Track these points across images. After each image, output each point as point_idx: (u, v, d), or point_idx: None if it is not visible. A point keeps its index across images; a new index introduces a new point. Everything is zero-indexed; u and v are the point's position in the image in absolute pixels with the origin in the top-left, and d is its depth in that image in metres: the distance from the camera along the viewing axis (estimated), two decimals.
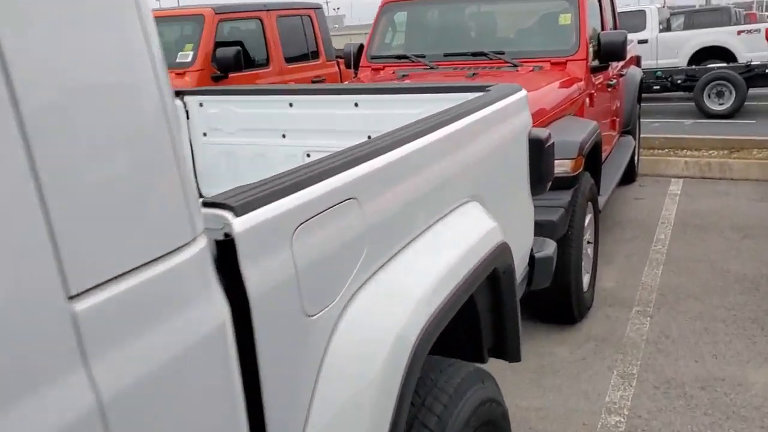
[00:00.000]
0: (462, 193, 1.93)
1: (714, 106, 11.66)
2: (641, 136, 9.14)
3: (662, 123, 11.40)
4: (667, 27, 14.73)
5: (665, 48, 13.83)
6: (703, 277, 4.68)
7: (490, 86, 2.61)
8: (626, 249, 5.29)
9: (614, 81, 5.67)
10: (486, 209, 2.03)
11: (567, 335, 3.96)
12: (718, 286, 4.52)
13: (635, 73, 7.02)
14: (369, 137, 2.90)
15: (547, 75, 4.63)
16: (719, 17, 15.60)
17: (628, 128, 6.76)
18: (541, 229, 3.49)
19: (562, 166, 3.67)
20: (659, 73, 12.44)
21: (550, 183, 2.76)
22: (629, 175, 7.09)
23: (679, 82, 12.26)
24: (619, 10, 14.16)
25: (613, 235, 5.59)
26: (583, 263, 4.06)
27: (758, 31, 13.23)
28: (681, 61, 13.62)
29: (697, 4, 34.77)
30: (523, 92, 2.62)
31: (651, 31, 13.97)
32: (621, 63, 6.26)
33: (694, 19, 15.76)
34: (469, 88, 2.70)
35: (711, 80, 11.62)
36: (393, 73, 4.94)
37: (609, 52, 4.87)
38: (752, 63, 11.97)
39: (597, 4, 5.60)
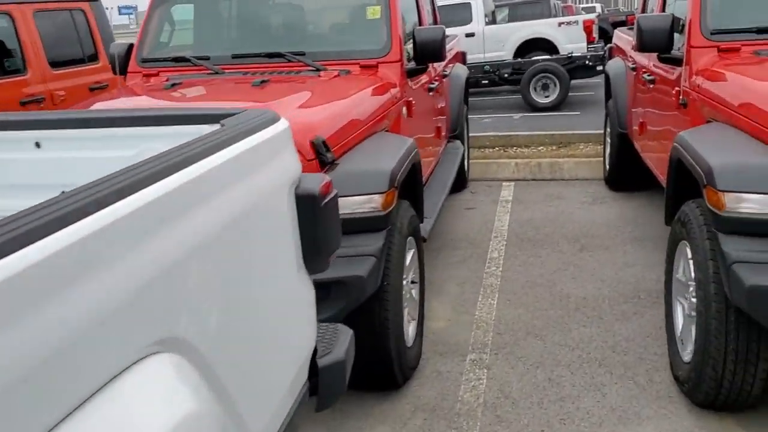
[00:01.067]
0: (134, 346, 0.99)
1: (540, 98, 11.50)
2: (471, 135, 8.65)
3: (493, 118, 11.07)
4: (492, 19, 14.54)
5: (492, 41, 13.61)
6: (542, 306, 4.05)
7: (231, 115, 1.69)
8: (458, 274, 4.59)
9: (436, 83, 4.95)
10: (193, 360, 1.11)
11: (389, 407, 3.15)
12: (559, 318, 3.90)
13: (460, 72, 6.39)
14: (63, 192, 1.88)
15: (355, 81, 3.79)
16: (540, 9, 15.67)
17: (456, 132, 6.13)
18: (344, 289, 2.64)
19: (370, 203, 2.83)
20: (487, 67, 12.15)
21: (335, 251, 1.88)
22: (459, 183, 6.47)
23: (506, 75, 12.03)
24: (443, 2, 13.77)
25: (443, 257, 4.89)
26: (407, 311, 3.26)
27: (577, 23, 13.31)
28: (507, 53, 13.46)
29: None
30: (282, 124, 1.72)
31: (477, 23, 13.70)
32: (444, 62, 5.57)
33: (517, 11, 15.75)
34: (197, 117, 1.76)
35: (536, 73, 11.45)
36: (166, 80, 3.89)
37: (426, 52, 4.11)
38: (573, 54, 11.95)
39: None
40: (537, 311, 4.00)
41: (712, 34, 3.66)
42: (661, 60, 3.90)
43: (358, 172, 2.91)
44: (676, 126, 3.76)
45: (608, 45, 6.99)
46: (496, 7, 15.89)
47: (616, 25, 17.75)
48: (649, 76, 4.57)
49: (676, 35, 3.88)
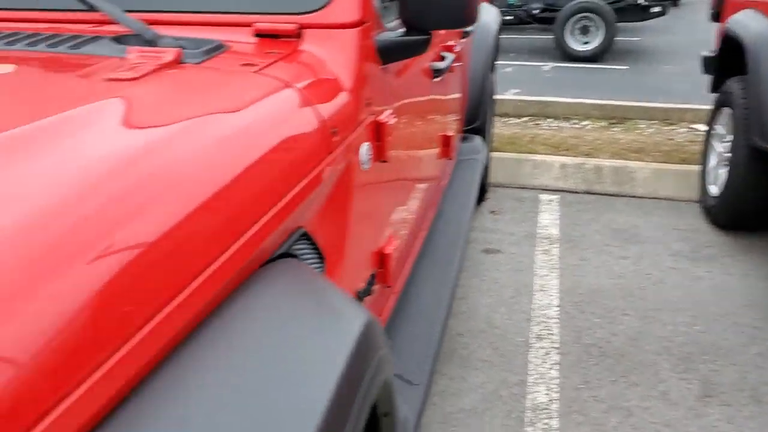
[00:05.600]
0: None
1: (578, 45, 8.77)
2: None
3: (516, 67, 8.40)
4: None
5: None
6: None
7: None
8: None
9: (447, 61, 2.35)
10: None
11: None
12: None
13: (490, 19, 3.76)
14: None
15: (213, 84, 1.25)
16: None
17: (476, 124, 3.59)
18: None
19: None
20: (513, 1, 9.34)
21: None
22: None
23: (536, 13, 9.24)
24: None
25: (438, 395, 2.45)
26: None
27: None
28: None
29: None
30: None
31: None
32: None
33: None
34: None
35: (574, 12, 8.67)
36: None
37: (439, 6, 1.55)
38: None
39: None
40: None
41: None
42: None
43: None
44: None
45: None
46: None
47: None
48: None
49: None
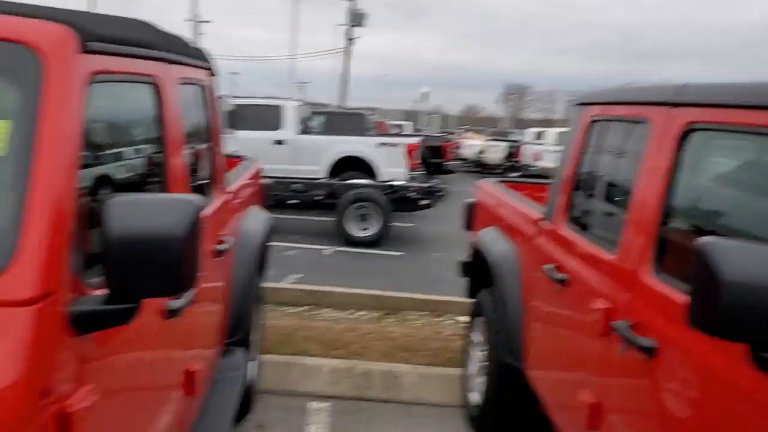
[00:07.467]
0: None
1: (357, 231, 9.13)
2: (270, 285, 5.92)
3: (300, 251, 8.45)
4: (306, 128, 12.12)
5: (304, 153, 11.16)
6: None
7: None
8: None
9: (182, 303, 2.12)
10: None
11: None
12: None
13: (255, 227, 3.65)
14: None
15: None
16: (356, 123, 13.65)
17: (238, 337, 3.35)
18: None
19: None
20: (298, 186, 9.60)
21: None
22: (242, 406, 3.65)
23: (319, 199, 9.56)
24: (248, 101, 11.09)
25: None
26: None
27: (398, 145, 11.25)
28: (321, 169, 11.06)
29: (330, 104, 34.22)
30: None
31: (289, 131, 11.25)
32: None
33: (335, 121, 13.61)
34: None
35: (352, 202, 9.10)
36: None
37: (139, 281, 1.35)
38: (396, 183, 9.80)
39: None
40: None
41: None
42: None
43: None
44: None
45: (469, 200, 4.63)
46: (313, 113, 13.64)
47: (431, 151, 16.06)
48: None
49: None
